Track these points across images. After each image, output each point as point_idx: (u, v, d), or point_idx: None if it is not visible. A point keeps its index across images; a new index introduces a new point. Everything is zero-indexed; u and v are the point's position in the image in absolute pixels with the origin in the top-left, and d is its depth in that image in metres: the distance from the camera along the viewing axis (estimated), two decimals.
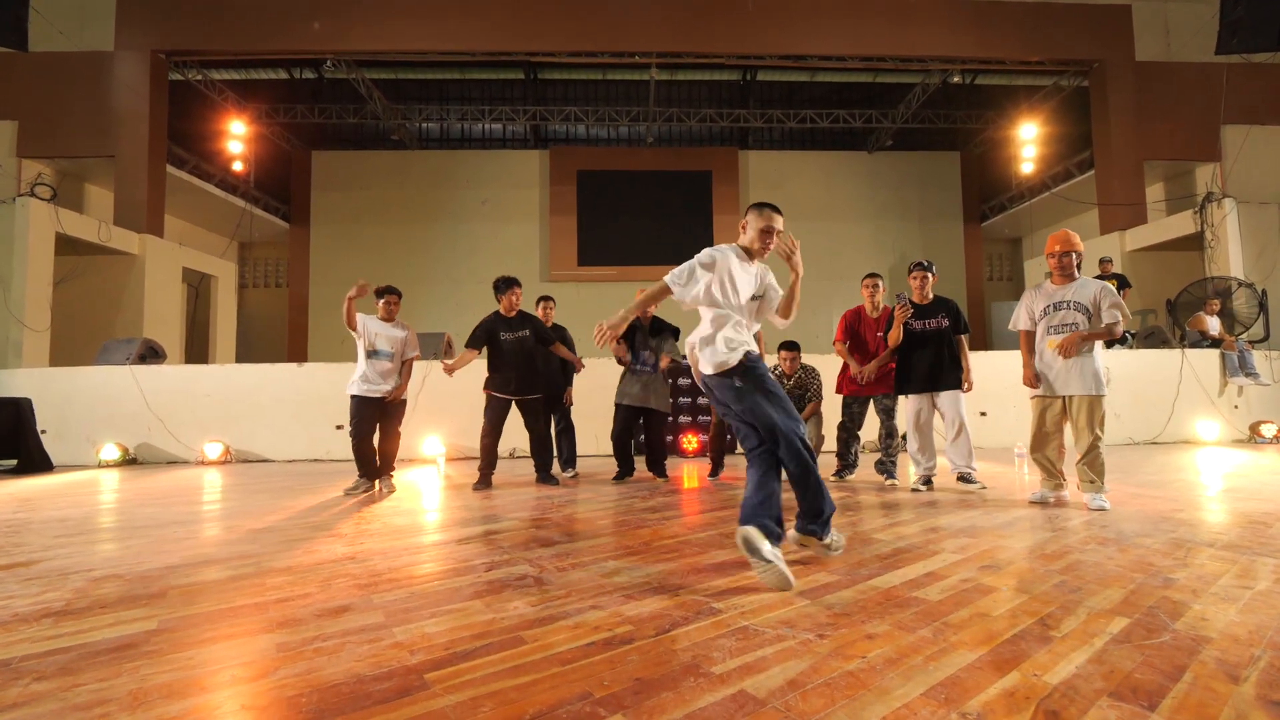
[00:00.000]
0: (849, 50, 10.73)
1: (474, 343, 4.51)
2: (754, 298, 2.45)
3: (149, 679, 1.43)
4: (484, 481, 4.43)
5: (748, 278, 2.40)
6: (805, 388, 4.66)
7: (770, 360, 4.62)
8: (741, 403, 2.27)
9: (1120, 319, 3.30)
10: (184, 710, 1.28)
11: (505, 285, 4.57)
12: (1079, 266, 3.51)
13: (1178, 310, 8.53)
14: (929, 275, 4.12)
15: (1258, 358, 7.29)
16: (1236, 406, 7.21)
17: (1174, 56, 10.69)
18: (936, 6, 10.58)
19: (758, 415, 2.24)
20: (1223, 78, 9.80)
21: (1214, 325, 7.77)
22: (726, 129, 15.01)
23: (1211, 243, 9.26)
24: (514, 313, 4.60)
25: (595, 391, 5.79)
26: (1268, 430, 6.79)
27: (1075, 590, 1.96)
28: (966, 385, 4.04)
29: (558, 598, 1.95)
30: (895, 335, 4.10)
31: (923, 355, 4.06)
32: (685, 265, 2.32)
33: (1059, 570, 2.18)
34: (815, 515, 2.28)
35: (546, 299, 5.28)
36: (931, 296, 4.15)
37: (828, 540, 2.34)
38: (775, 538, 2.07)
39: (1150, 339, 7.89)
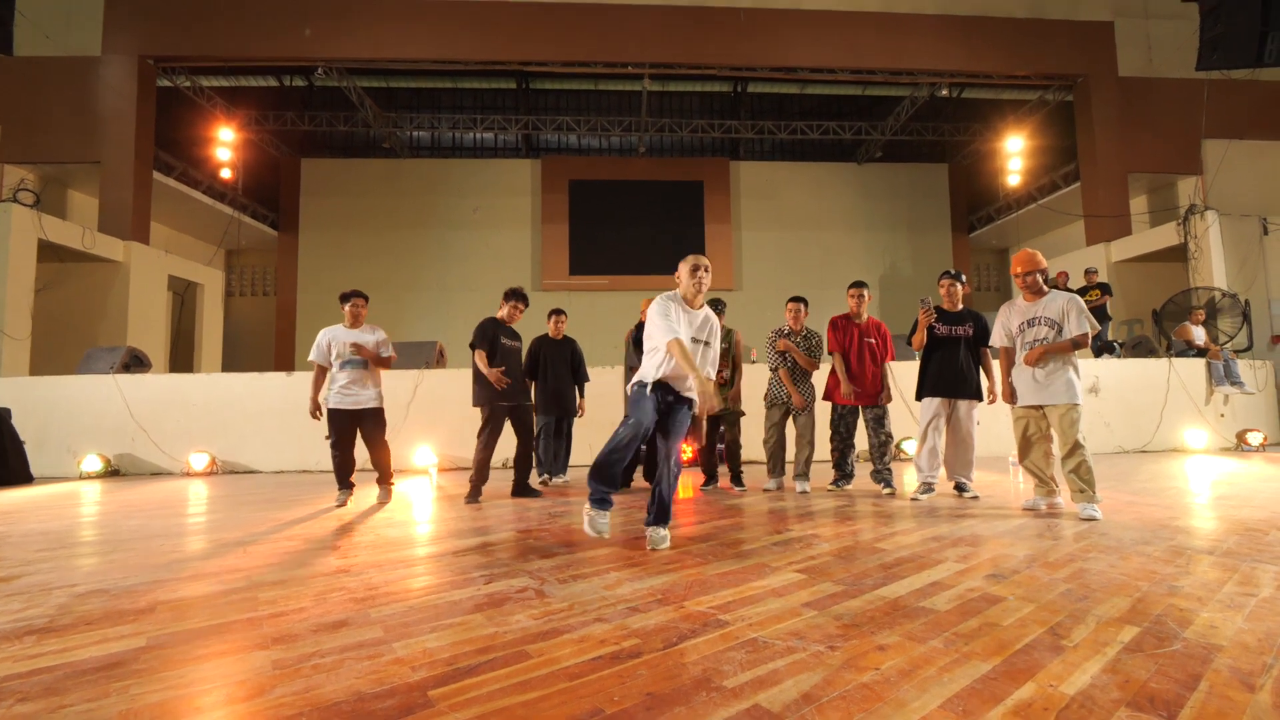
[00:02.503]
0: (839, 62, 10.87)
1: (482, 343, 4.37)
2: (693, 340, 2.87)
3: (139, 699, 1.37)
4: (475, 495, 4.34)
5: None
6: (811, 353, 4.57)
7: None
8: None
9: (1089, 329, 3.41)
10: None
11: (512, 296, 4.53)
12: (1046, 281, 3.63)
13: (1163, 320, 8.66)
14: (956, 284, 4.17)
15: (1242, 366, 7.40)
16: (1223, 415, 7.30)
17: (1156, 72, 10.93)
18: (925, 21, 10.76)
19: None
20: (1203, 93, 10.03)
21: (1199, 335, 7.89)
22: (718, 140, 15.12)
23: (1195, 254, 9.43)
24: (512, 323, 4.59)
25: (591, 401, 5.72)
26: (1254, 438, 6.88)
27: (1082, 599, 1.95)
28: (990, 397, 4.05)
29: (560, 611, 1.91)
30: (919, 338, 4.12)
31: (943, 360, 4.08)
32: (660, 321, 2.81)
33: (1064, 579, 2.17)
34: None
35: (559, 312, 5.30)
36: (961, 305, 4.18)
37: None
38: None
39: (1137, 349, 7.99)
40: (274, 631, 1.78)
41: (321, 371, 4.33)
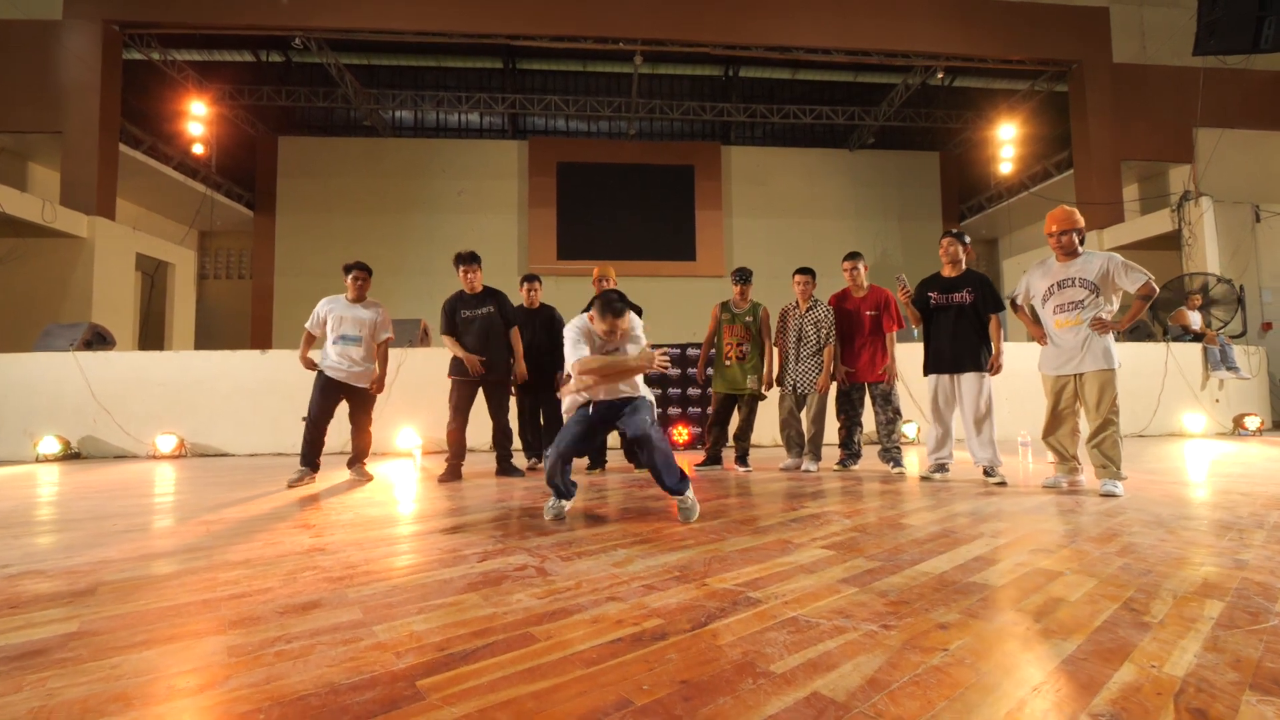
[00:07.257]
0: (834, 43, 10.65)
1: (445, 328, 4.25)
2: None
3: (57, 694, 1.12)
4: (452, 473, 4.07)
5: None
6: (818, 326, 4.31)
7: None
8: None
9: (1147, 274, 3.13)
10: None
11: (457, 262, 4.28)
12: (1082, 242, 3.34)
13: (1159, 306, 8.61)
14: (957, 244, 3.81)
15: (1236, 352, 7.36)
16: (1218, 400, 7.26)
17: (1150, 59, 10.87)
18: (921, 3, 10.58)
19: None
20: (1198, 81, 9.97)
21: (1195, 320, 7.85)
22: (709, 124, 14.85)
23: (1189, 240, 9.40)
24: (477, 289, 4.31)
25: None
26: (1251, 422, 6.85)
27: (1145, 573, 1.76)
28: (994, 367, 3.72)
29: (567, 589, 1.68)
30: (911, 315, 3.92)
31: (940, 332, 3.81)
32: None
33: (1115, 553, 1.99)
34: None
35: (531, 279, 4.84)
36: (964, 268, 3.84)
37: None
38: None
39: (1135, 333, 7.93)
40: (232, 614, 1.52)
41: (310, 339, 4.21)
